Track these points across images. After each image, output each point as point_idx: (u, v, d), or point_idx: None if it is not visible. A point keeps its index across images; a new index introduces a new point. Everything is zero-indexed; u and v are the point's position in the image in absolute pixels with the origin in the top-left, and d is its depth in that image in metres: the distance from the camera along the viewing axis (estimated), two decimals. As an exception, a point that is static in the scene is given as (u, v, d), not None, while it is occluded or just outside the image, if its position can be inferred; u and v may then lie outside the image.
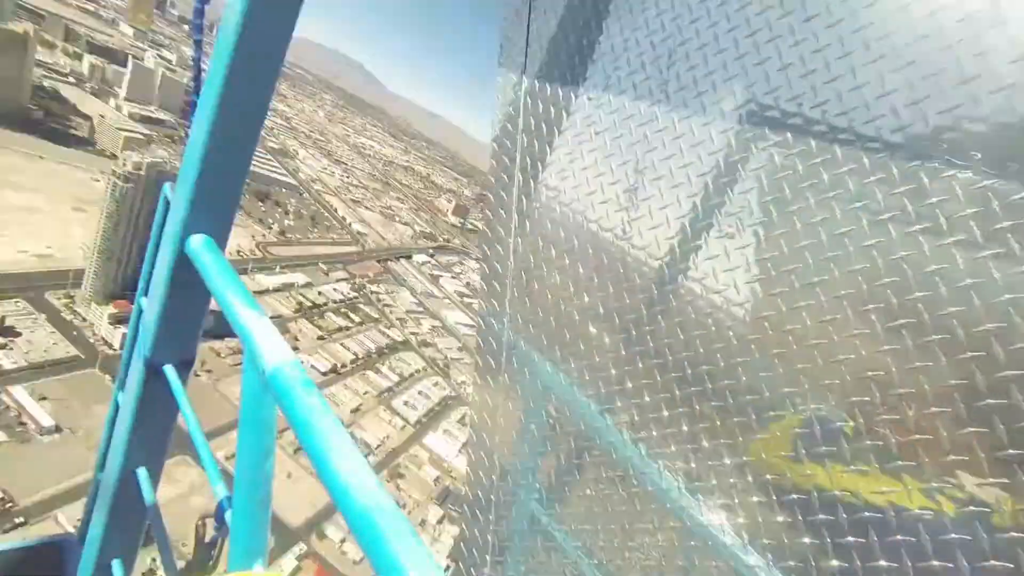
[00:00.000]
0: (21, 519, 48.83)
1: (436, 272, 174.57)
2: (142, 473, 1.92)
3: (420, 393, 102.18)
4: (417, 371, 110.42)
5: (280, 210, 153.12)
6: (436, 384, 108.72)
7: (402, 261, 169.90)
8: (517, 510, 2.18)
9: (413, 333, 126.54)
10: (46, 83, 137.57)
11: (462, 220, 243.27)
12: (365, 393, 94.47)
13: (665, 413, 1.73)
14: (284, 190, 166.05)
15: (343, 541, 62.39)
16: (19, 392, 60.05)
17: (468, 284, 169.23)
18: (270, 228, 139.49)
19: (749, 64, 1.69)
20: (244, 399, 1.17)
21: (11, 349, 65.25)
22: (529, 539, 2.17)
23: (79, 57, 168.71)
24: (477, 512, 2.31)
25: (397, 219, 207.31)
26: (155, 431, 1.91)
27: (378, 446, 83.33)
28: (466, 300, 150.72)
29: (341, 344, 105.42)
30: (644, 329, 1.81)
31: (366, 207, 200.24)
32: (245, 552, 1.15)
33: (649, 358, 1.78)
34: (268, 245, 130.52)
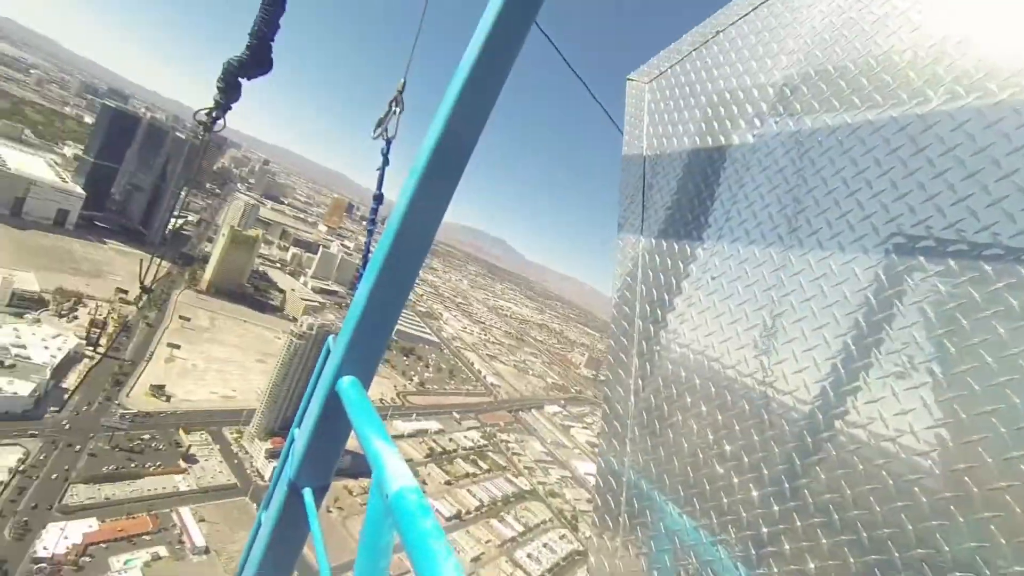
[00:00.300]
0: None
1: (567, 423, 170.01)
2: None
3: (545, 546, 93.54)
4: (543, 522, 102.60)
5: (421, 363, 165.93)
6: (563, 537, 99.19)
7: (533, 411, 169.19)
8: None
9: (541, 483, 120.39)
10: (261, 268, 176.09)
11: (595, 372, 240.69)
12: (487, 542, 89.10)
13: None
14: (427, 346, 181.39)
15: None
16: (186, 512, 67.34)
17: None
18: (411, 379, 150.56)
19: (888, 200, 1.71)
20: (367, 520, 1.24)
21: (189, 474, 75.08)
22: None
23: (286, 249, 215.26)
24: None
25: (530, 372, 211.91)
26: (288, 548, 2.08)
27: (496, 604, 75.68)
28: (597, 451, 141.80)
29: (467, 490, 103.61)
30: (799, 482, 1.66)
31: (501, 361, 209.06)
32: None
33: (808, 515, 1.59)
34: (407, 394, 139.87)
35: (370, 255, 2.06)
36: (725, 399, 1.98)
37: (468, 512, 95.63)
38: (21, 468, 63.43)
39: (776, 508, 1.70)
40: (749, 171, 2.28)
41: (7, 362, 75.65)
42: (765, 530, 1.70)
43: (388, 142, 2.90)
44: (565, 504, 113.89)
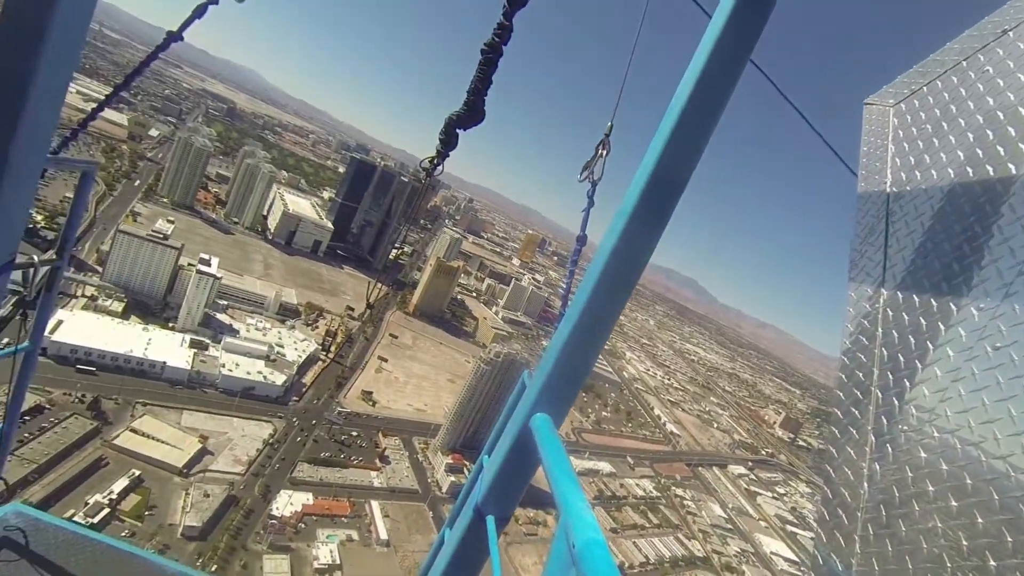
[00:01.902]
0: (343, 609, 58.56)
1: (754, 488, 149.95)
2: None
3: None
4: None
5: (600, 401, 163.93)
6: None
7: (715, 469, 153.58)
8: None
9: (717, 552, 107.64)
10: (459, 296, 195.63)
11: (792, 435, 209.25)
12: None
13: None
14: (607, 385, 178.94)
15: None
16: (375, 506, 76.60)
17: (794, 509, 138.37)
18: (587, 416, 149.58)
19: None
20: (550, 564, 1.24)
21: (382, 473, 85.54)
22: None
23: (482, 280, 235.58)
24: None
25: (715, 425, 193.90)
26: (466, 570, 2.13)
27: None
28: (789, 529, 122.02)
29: (634, 543, 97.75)
30: None
31: (683, 409, 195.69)
32: None
33: None
34: (583, 431, 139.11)
35: (570, 296, 2.10)
36: (1008, 507, 1.51)
37: (632, 567, 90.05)
38: (271, 441, 79.57)
39: None
40: None
41: (271, 356, 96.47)
42: None
43: (594, 184, 2.96)
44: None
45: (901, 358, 2.00)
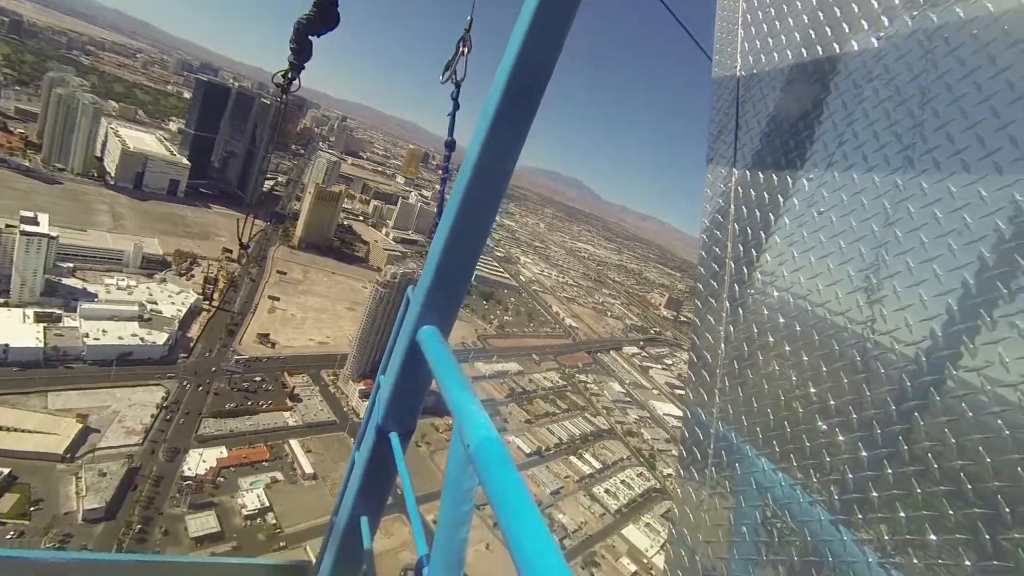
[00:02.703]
0: (283, 543, 59.83)
1: (646, 363, 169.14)
2: (364, 522, 2.22)
3: (623, 483, 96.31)
4: (621, 460, 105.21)
5: (500, 307, 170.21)
6: (640, 475, 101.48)
7: (612, 352, 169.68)
8: None
9: (619, 422, 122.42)
10: (346, 222, 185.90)
11: (675, 313, 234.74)
12: (566, 477, 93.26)
13: (933, 537, 1.37)
14: (506, 291, 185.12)
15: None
16: (295, 444, 76.37)
17: (680, 376, 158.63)
18: (491, 323, 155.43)
19: None
20: (449, 468, 1.28)
21: (295, 411, 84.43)
22: None
23: (367, 202, 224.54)
24: None
25: (609, 313, 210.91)
26: (378, 488, 2.22)
27: (575, 531, 79.98)
28: (677, 392, 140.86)
29: (547, 428, 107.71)
30: (893, 428, 1.52)
31: (579, 303, 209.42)
32: None
33: (903, 463, 1.48)
34: (488, 337, 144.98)
35: (444, 203, 2.08)
36: (830, 347, 1.75)
37: (548, 449, 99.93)
38: (165, 404, 74.50)
39: (864, 454, 1.58)
40: (870, 83, 1.92)
41: (145, 316, 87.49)
42: (851, 477, 1.59)
43: (457, 85, 2.79)
44: (643, 444, 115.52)
45: (749, 231, 2.20)
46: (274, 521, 62.91)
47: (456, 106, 2.91)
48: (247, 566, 3.38)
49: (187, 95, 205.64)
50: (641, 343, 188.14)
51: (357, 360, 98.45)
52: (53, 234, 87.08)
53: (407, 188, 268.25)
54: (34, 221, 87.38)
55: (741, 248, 2.22)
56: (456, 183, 1.80)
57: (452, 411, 1.35)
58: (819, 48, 2.21)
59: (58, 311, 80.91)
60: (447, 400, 1.42)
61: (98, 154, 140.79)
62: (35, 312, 78.30)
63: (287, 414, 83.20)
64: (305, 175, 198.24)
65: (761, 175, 2.22)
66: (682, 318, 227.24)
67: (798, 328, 1.89)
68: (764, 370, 1.97)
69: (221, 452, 70.13)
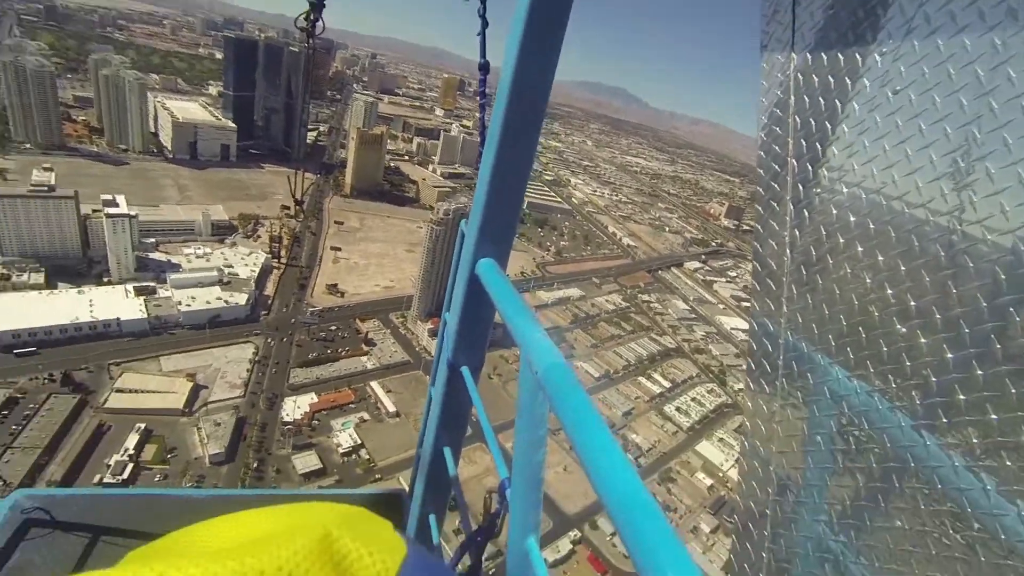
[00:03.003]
0: (379, 475, 66.18)
1: (709, 277, 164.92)
2: (447, 452, 2.34)
3: (693, 400, 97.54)
4: (691, 378, 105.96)
5: (556, 233, 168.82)
6: (711, 391, 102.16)
7: (673, 269, 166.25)
8: (799, 530, 1.97)
9: (686, 340, 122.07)
10: (392, 163, 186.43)
11: (736, 222, 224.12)
12: (636, 398, 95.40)
13: None
14: (559, 215, 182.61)
15: (613, 534, 63.96)
16: (375, 386, 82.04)
17: (745, 288, 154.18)
18: (548, 250, 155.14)
19: None
20: (521, 396, 1.29)
21: (371, 355, 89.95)
22: (815, 566, 1.92)
23: (410, 140, 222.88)
24: (750, 526, 2.14)
25: (667, 229, 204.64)
26: (455, 419, 2.31)
27: (649, 449, 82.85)
28: (743, 305, 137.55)
29: (614, 351, 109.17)
30: (984, 326, 1.41)
31: (635, 221, 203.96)
32: (521, 524, 1.27)
33: (996, 363, 1.38)
34: (546, 265, 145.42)
35: (486, 131, 2.03)
36: (909, 244, 1.61)
37: (616, 372, 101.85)
38: (256, 359, 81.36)
39: (950, 355, 1.47)
40: None
41: (224, 280, 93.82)
42: (935, 380, 1.51)
43: (483, 2, 2.66)
44: (712, 360, 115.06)
45: (812, 122, 1.97)
46: (367, 456, 69.17)
47: (484, 23, 2.72)
48: (352, 496, 3.76)
49: (219, 56, 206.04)
50: (703, 257, 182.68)
51: (422, 300, 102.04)
52: (132, 213, 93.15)
53: (447, 120, 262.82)
54: (114, 203, 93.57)
55: (804, 144, 1.99)
56: (495, 108, 1.72)
57: (517, 340, 1.35)
58: None
59: (152, 284, 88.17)
60: (511, 330, 1.41)
61: (152, 130, 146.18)
62: (134, 287, 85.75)
63: (364, 358, 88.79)
64: (345, 120, 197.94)
65: (824, 56, 1.91)
66: (744, 227, 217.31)
67: (871, 226, 1.73)
68: (835, 274, 1.83)
69: (312, 398, 76.56)
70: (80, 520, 2.69)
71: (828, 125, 1.92)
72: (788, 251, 2.03)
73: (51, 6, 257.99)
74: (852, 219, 1.80)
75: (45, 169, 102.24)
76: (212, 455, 62.66)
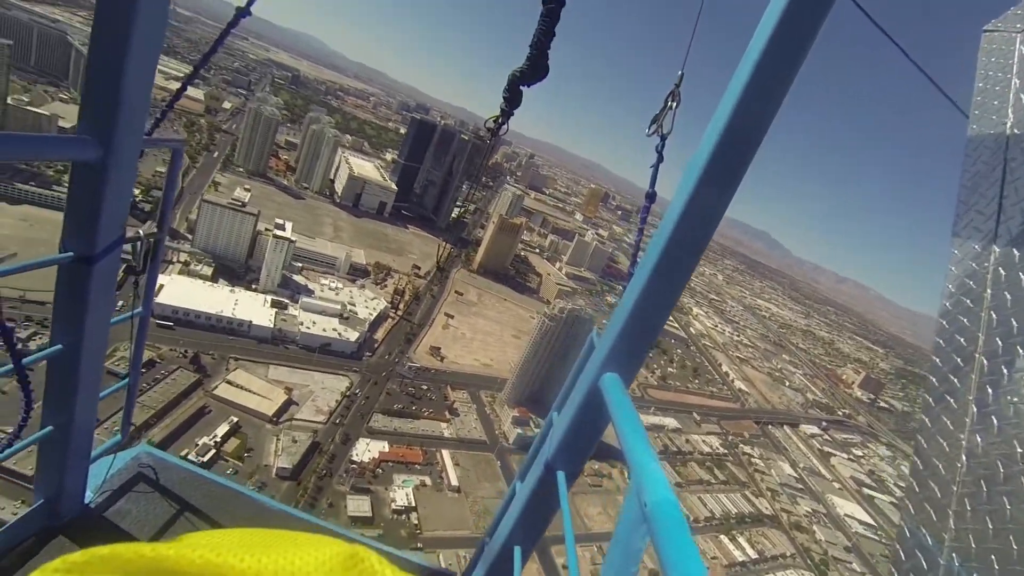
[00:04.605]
0: (420, 545, 63.24)
1: (828, 449, 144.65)
2: (517, 551, 2.26)
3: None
4: (783, 556, 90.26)
5: (665, 358, 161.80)
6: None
7: (785, 428, 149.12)
8: None
9: (785, 510, 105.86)
10: (522, 253, 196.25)
11: (872, 395, 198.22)
12: (714, 558, 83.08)
13: None
14: (673, 340, 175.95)
15: None
16: (446, 455, 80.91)
17: (872, 472, 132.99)
18: (653, 372, 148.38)
19: None
20: (621, 522, 1.24)
21: (451, 424, 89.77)
22: None
23: (545, 236, 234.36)
24: None
25: (787, 383, 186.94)
26: (536, 521, 2.23)
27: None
28: (866, 491, 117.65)
29: (699, 497, 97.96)
30: None
31: (752, 366, 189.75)
32: None
33: None
34: (648, 387, 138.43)
35: (639, 254, 2.12)
36: None
37: (696, 521, 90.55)
38: (348, 393, 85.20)
39: None
40: None
41: (344, 315, 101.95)
42: None
43: (663, 138, 2.83)
44: (813, 543, 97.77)
45: (1014, 323, 1.75)
46: (416, 521, 66.91)
47: (660, 158, 2.89)
48: (404, 560, 3.53)
49: (402, 130, 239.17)
50: (824, 424, 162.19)
51: (515, 387, 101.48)
52: (293, 238, 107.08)
53: (584, 226, 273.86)
54: (282, 227, 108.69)
55: (999, 342, 1.82)
56: (656, 236, 1.78)
57: (629, 464, 1.32)
58: None
59: (286, 300, 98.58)
60: (625, 451, 1.39)
61: (331, 177, 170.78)
62: (272, 299, 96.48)
63: (444, 425, 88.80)
64: (491, 205, 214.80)
65: None
66: (881, 403, 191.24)
67: None
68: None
69: (384, 446, 77.33)
70: (176, 490, 2.96)
71: None
72: (964, 457, 1.78)
73: (297, 75, 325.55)
74: None
75: (245, 189, 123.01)
76: (280, 468, 64.91)
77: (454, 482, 76.00)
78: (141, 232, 2.54)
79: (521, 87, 3.06)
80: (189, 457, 58.85)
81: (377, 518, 65.15)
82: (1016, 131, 2.15)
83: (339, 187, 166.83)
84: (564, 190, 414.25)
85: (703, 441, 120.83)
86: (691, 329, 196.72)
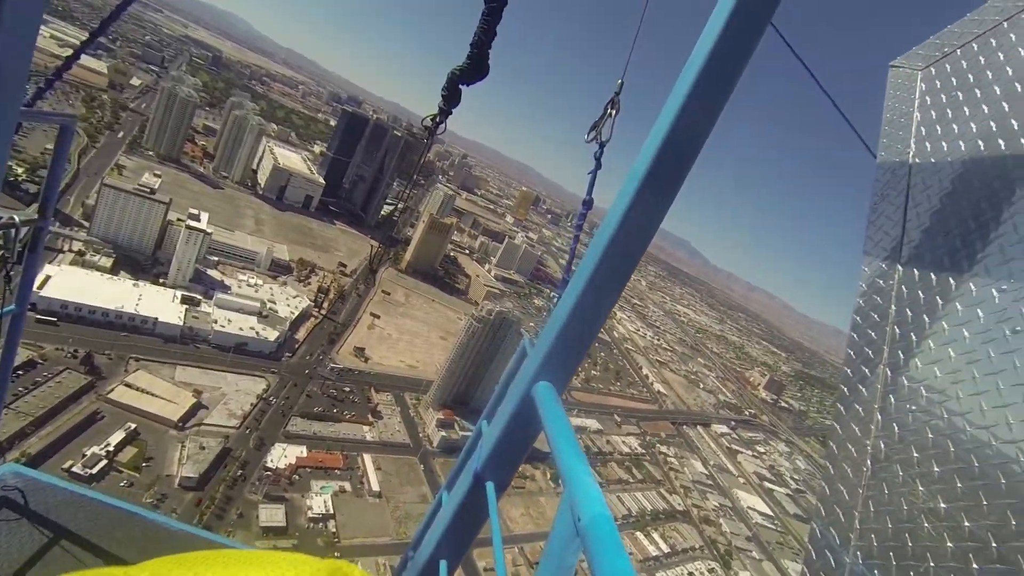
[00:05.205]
0: (338, 554, 61.15)
1: (735, 447, 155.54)
2: (443, 565, 2.17)
3: (690, 575, 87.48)
4: (692, 549, 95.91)
5: (589, 360, 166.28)
6: (711, 571, 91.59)
7: (699, 428, 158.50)
8: None
9: (696, 506, 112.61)
10: (452, 253, 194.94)
11: (775, 396, 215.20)
12: (629, 554, 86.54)
13: None
14: (596, 344, 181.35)
15: None
16: (367, 459, 78.86)
17: (772, 467, 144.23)
18: (578, 375, 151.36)
19: None
20: (553, 538, 1.23)
21: (373, 427, 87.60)
22: None
23: (475, 238, 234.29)
24: None
25: (701, 385, 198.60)
26: (463, 534, 2.16)
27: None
28: (767, 485, 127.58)
29: (617, 496, 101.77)
30: None
31: (671, 369, 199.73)
32: None
33: None
34: (572, 389, 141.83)
35: (575, 261, 2.09)
36: (1000, 485, 1.51)
37: (615, 520, 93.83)
38: (264, 396, 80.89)
39: None
40: None
41: (264, 313, 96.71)
42: None
43: (602, 146, 2.84)
44: (720, 535, 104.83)
45: (913, 337, 1.92)
46: (334, 530, 64.73)
47: (598, 165, 2.97)
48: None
49: (332, 122, 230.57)
50: (732, 423, 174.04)
51: (441, 389, 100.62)
52: (209, 230, 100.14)
53: (514, 229, 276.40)
54: (197, 218, 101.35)
55: (901, 355, 1.94)
56: (593, 243, 1.76)
57: (563, 477, 1.29)
58: (1001, 143, 1.95)
59: (199, 296, 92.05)
60: (558, 464, 1.36)
61: (254, 167, 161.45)
62: (182, 295, 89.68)
63: (366, 428, 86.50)
64: (422, 204, 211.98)
65: (934, 277, 1.95)
66: (782, 403, 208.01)
67: (976, 465, 1.60)
68: (924, 505, 1.66)
69: (301, 451, 74.15)
70: (50, 515, 2.65)
71: (931, 344, 1.87)
72: (869, 462, 1.90)
73: (218, 56, 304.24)
74: (952, 449, 1.68)
75: (155, 175, 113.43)
76: (184, 477, 60.45)
77: (375, 487, 74.24)
78: (17, 218, 2.26)
79: (460, 86, 3.07)
80: (73, 469, 53.59)
81: (292, 527, 62.36)
82: (916, 160, 2.32)
83: (262, 178, 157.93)
84: (496, 192, 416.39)
85: (623, 442, 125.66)
86: (615, 333, 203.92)
